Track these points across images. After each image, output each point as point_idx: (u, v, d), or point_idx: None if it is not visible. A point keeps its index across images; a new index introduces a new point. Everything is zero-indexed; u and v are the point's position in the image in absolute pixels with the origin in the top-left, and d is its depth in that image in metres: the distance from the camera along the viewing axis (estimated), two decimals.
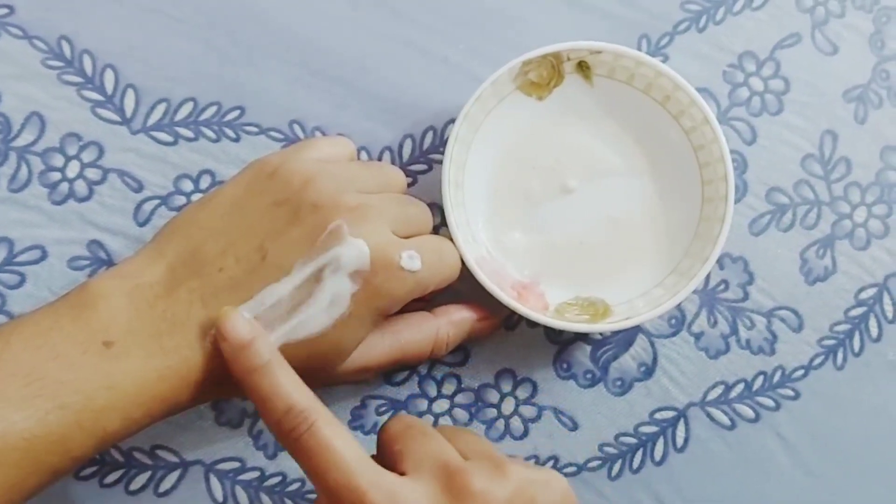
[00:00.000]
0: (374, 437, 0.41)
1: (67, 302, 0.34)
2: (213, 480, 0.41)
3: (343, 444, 0.31)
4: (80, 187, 0.42)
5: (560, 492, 0.33)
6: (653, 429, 0.43)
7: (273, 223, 0.36)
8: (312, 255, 0.35)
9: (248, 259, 0.35)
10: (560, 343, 0.43)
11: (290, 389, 0.32)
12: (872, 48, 0.46)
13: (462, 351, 0.43)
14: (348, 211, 0.35)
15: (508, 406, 0.43)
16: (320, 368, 0.36)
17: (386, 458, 0.34)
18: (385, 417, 0.42)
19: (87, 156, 0.43)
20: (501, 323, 0.43)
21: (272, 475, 0.42)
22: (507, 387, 0.43)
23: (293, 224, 0.35)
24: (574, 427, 0.43)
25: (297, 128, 0.44)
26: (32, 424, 0.31)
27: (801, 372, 0.44)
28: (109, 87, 0.43)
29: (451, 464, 0.32)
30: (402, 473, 0.32)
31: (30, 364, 0.32)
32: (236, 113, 0.44)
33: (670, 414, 0.43)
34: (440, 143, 0.44)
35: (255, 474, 0.42)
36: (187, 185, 0.43)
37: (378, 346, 0.38)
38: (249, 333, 0.33)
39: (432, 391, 0.43)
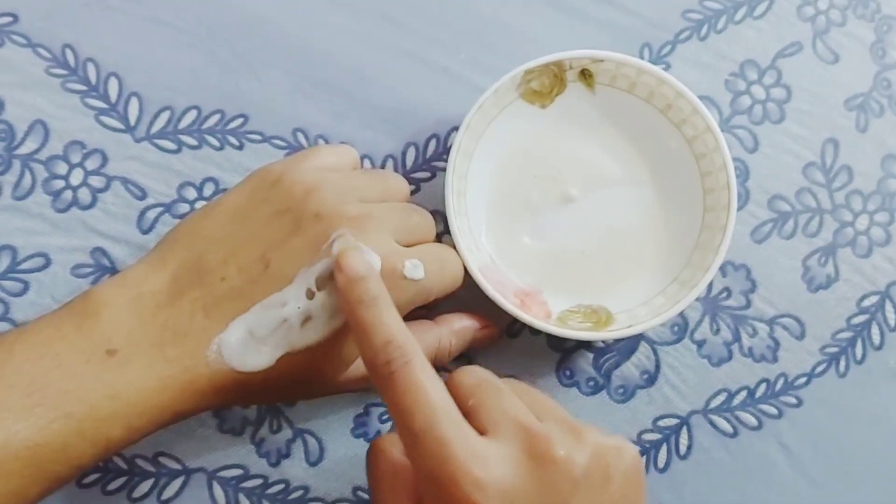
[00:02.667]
0: None
1: (70, 311, 0.34)
2: (216, 488, 0.41)
3: (435, 390, 0.30)
4: (84, 195, 0.43)
5: (631, 458, 0.33)
6: (656, 436, 0.43)
7: (276, 233, 0.36)
8: (315, 264, 0.35)
9: (251, 268, 0.35)
10: (563, 351, 0.43)
11: (393, 326, 0.32)
12: (874, 57, 0.46)
13: (464, 359, 0.43)
14: (350, 220, 0.35)
15: None
16: (322, 377, 0.36)
17: (459, 410, 0.32)
18: (388, 426, 0.42)
19: (91, 163, 0.43)
20: (504, 331, 0.43)
21: (275, 482, 0.42)
22: None
23: (296, 234, 0.35)
24: None
25: (300, 136, 0.44)
26: (35, 433, 0.31)
27: (803, 379, 0.44)
28: (113, 95, 0.43)
29: (531, 428, 0.31)
30: (478, 429, 0.31)
31: (32, 373, 0.32)
32: (240, 121, 0.44)
33: (673, 421, 0.43)
34: (443, 151, 0.44)
35: (258, 482, 0.42)
36: (191, 193, 0.43)
37: None
38: (365, 270, 0.33)
39: None
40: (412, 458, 0.31)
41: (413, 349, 0.31)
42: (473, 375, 0.34)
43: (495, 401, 0.32)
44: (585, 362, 0.43)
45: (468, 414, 0.32)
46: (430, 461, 0.29)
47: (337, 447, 0.42)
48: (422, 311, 0.40)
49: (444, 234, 0.42)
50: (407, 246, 0.37)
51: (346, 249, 0.34)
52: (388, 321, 0.32)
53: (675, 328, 0.44)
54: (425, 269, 0.36)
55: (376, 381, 0.32)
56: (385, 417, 0.43)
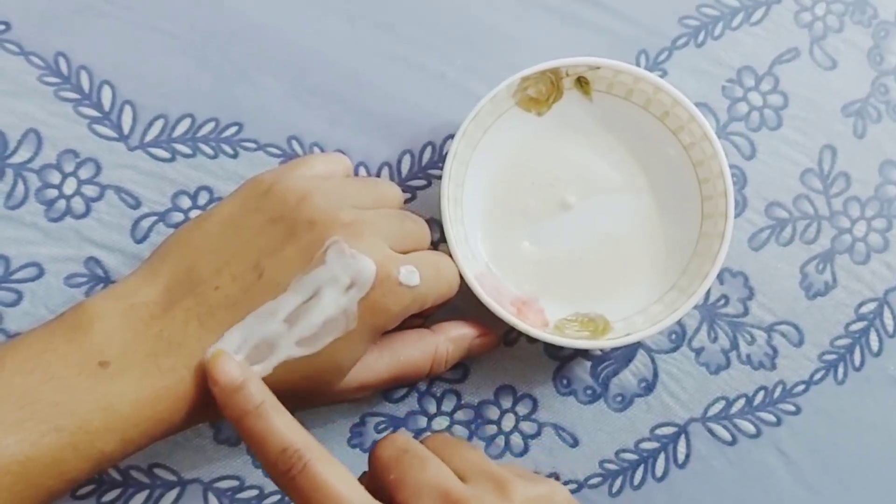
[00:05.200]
0: None
1: (62, 323, 0.34)
2: (212, 499, 0.41)
3: (338, 482, 0.31)
4: (77, 204, 0.42)
5: (563, 502, 0.33)
6: (654, 445, 0.43)
7: (269, 241, 0.35)
8: (310, 272, 0.35)
9: (245, 277, 0.35)
10: (560, 359, 0.43)
11: (284, 430, 0.32)
12: (871, 63, 0.46)
13: (461, 367, 0.43)
14: (344, 227, 0.35)
15: (508, 422, 0.43)
16: (318, 387, 0.36)
17: (380, 485, 0.33)
18: (385, 434, 0.42)
19: (85, 172, 0.43)
20: (501, 339, 0.43)
21: (270, 493, 0.41)
22: (506, 403, 0.43)
23: (289, 241, 0.35)
24: (574, 443, 0.43)
25: (295, 144, 0.44)
26: (26, 448, 0.31)
27: (801, 387, 0.44)
28: (107, 103, 0.43)
29: (452, 493, 0.31)
30: (401, 503, 0.31)
31: (24, 387, 0.32)
32: (234, 129, 0.43)
33: (671, 430, 0.43)
34: (439, 159, 0.44)
35: (254, 493, 0.41)
36: (185, 202, 0.43)
37: (376, 364, 0.38)
38: (241, 375, 0.33)
39: (432, 408, 0.43)
40: None
41: (309, 447, 0.31)
42: (395, 447, 0.34)
43: (417, 472, 0.32)
44: (583, 371, 0.43)
45: (392, 489, 0.32)
46: None
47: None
48: (418, 320, 0.40)
49: (440, 242, 0.42)
50: (402, 253, 0.37)
51: (215, 356, 0.33)
52: (278, 427, 0.32)
53: (673, 336, 0.43)
54: (421, 276, 0.36)
55: (279, 486, 0.32)
56: (382, 427, 0.42)
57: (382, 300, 0.35)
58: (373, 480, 0.34)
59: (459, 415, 0.43)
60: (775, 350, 0.44)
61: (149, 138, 0.43)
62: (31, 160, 0.42)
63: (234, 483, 0.41)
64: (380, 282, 0.35)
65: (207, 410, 0.34)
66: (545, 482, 0.34)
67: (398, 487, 0.32)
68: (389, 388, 0.42)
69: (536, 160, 0.43)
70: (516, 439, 0.43)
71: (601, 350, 0.43)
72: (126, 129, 0.43)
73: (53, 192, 0.42)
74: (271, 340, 0.34)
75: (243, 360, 0.34)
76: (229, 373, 0.33)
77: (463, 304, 0.40)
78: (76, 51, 0.43)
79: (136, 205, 0.43)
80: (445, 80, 0.45)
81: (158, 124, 0.43)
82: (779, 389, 0.44)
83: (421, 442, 0.35)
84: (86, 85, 0.43)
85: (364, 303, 0.35)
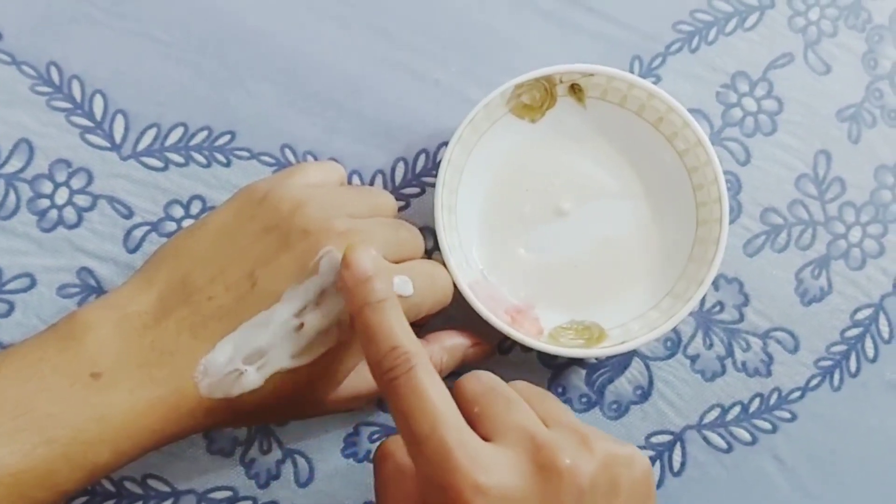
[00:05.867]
0: (368, 465, 0.41)
1: (55, 333, 0.34)
2: None
3: (438, 396, 0.30)
4: (70, 214, 0.42)
5: (642, 470, 0.32)
6: (649, 452, 0.43)
7: (263, 250, 0.35)
8: (303, 281, 0.34)
9: (238, 286, 0.35)
10: (555, 367, 0.43)
11: (399, 330, 0.31)
12: (865, 67, 0.46)
13: (456, 376, 0.42)
14: (338, 236, 0.35)
15: None
16: (312, 397, 0.36)
17: (464, 417, 0.31)
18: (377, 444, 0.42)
19: (77, 182, 0.42)
20: (495, 348, 0.43)
21: None
22: None
23: (283, 250, 0.35)
24: None
25: (288, 152, 0.43)
26: (19, 459, 0.31)
27: (797, 393, 0.44)
28: (98, 112, 0.43)
29: (537, 436, 0.31)
30: (483, 437, 0.31)
31: (16, 398, 0.32)
32: (227, 137, 0.43)
33: (667, 437, 0.43)
34: (433, 167, 0.44)
35: (248, 503, 0.41)
36: (178, 211, 0.43)
37: (370, 374, 0.37)
38: (373, 269, 0.33)
39: None
40: (415, 464, 0.30)
41: (418, 355, 0.31)
42: (481, 383, 0.33)
43: (502, 409, 0.32)
44: (578, 378, 0.43)
45: (474, 421, 0.32)
46: (432, 467, 0.29)
47: (327, 467, 0.42)
48: (412, 329, 0.40)
49: (433, 250, 0.42)
50: (396, 262, 0.37)
51: (354, 245, 0.33)
52: (394, 325, 0.32)
53: (669, 343, 0.43)
54: (415, 286, 0.36)
55: (380, 385, 0.31)
56: (376, 436, 0.42)
57: None
58: None
59: None
60: (771, 357, 0.44)
61: (141, 147, 0.43)
62: (22, 170, 0.42)
63: (228, 494, 0.41)
64: None
65: (200, 421, 0.34)
66: (627, 446, 0.33)
67: (481, 421, 0.32)
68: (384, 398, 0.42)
69: (531, 167, 0.42)
70: None
71: (596, 358, 0.43)
72: (118, 139, 0.43)
73: (45, 202, 0.42)
74: (264, 350, 0.34)
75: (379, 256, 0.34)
76: (362, 263, 0.33)
77: (457, 312, 0.40)
78: (68, 60, 0.43)
79: (129, 214, 0.42)
80: (440, 86, 0.45)
81: (151, 133, 0.43)
82: (775, 396, 0.43)
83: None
84: (78, 94, 0.43)
85: None
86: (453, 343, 0.40)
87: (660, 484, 0.43)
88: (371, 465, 0.36)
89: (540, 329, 0.41)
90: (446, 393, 0.31)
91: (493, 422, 0.32)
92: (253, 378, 0.34)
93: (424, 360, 0.31)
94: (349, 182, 0.43)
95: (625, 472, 0.31)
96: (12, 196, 0.42)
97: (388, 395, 0.31)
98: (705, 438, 0.43)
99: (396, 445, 0.33)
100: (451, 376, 0.42)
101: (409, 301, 0.36)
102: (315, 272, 0.34)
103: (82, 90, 0.43)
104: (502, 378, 0.42)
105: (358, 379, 0.37)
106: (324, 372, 0.35)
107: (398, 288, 0.35)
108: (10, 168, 0.42)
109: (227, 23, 0.44)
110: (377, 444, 0.42)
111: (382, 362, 0.31)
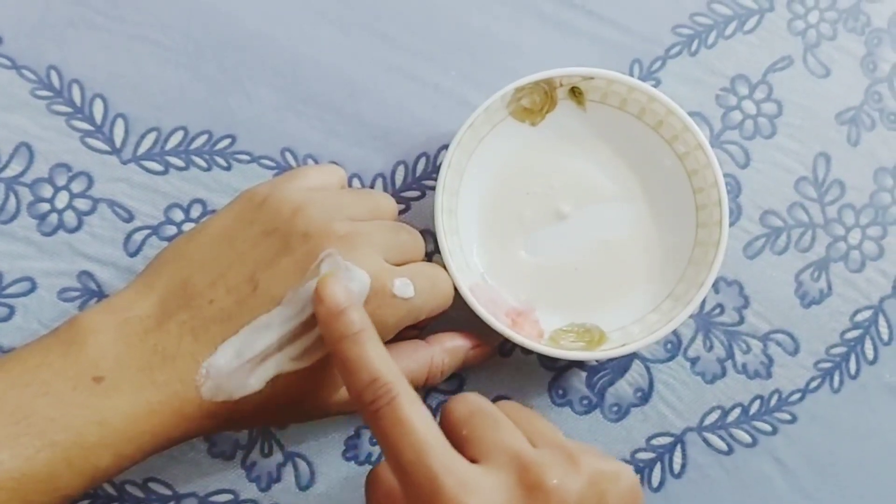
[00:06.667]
0: (369, 467, 0.41)
1: (56, 337, 0.34)
2: None
3: (422, 423, 0.30)
4: (70, 218, 0.42)
5: (628, 485, 0.32)
6: (650, 455, 0.43)
7: (264, 253, 0.35)
8: (304, 284, 0.34)
9: (240, 290, 0.35)
10: (555, 369, 0.43)
11: (377, 361, 0.31)
12: (864, 70, 0.46)
13: (457, 378, 0.43)
14: (338, 239, 0.35)
15: None
16: (313, 400, 0.36)
17: (452, 440, 0.32)
18: (379, 448, 0.42)
19: (77, 186, 0.42)
20: (496, 350, 0.43)
21: None
22: None
23: (284, 253, 0.35)
24: None
25: (288, 155, 0.43)
26: (21, 463, 0.31)
27: (797, 395, 0.44)
28: (99, 116, 0.43)
29: (524, 456, 0.31)
30: (471, 459, 0.31)
31: (18, 402, 0.32)
32: (227, 141, 0.43)
33: (667, 440, 0.43)
34: (433, 170, 0.44)
35: None
36: (178, 215, 0.43)
37: None
38: (346, 301, 0.32)
39: None
40: (404, 492, 0.30)
41: (399, 384, 0.31)
42: (468, 404, 0.34)
43: (490, 432, 0.32)
44: (578, 381, 0.43)
45: (462, 443, 0.32)
46: (420, 493, 0.29)
47: (328, 470, 0.42)
48: (413, 331, 0.40)
49: (434, 253, 0.42)
50: (396, 265, 0.37)
51: (326, 277, 0.33)
52: (372, 357, 0.32)
53: (669, 345, 0.43)
54: (415, 288, 0.36)
55: (363, 416, 0.31)
56: (376, 440, 0.42)
57: (377, 312, 0.35)
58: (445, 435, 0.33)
59: None
60: (771, 359, 0.44)
61: (141, 151, 0.43)
62: (22, 174, 0.42)
63: (229, 497, 0.41)
64: (374, 294, 0.35)
65: (202, 424, 0.34)
66: (613, 462, 0.33)
67: (469, 443, 0.32)
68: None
69: (531, 170, 0.43)
70: None
71: (596, 360, 0.43)
72: (118, 143, 0.43)
73: (45, 206, 0.42)
74: (265, 354, 0.34)
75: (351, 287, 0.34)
76: (335, 296, 0.33)
77: (458, 315, 0.40)
78: (68, 64, 0.43)
79: (129, 218, 0.42)
80: (440, 90, 0.45)
81: (151, 137, 0.43)
82: (775, 398, 0.44)
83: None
84: (78, 98, 0.43)
85: None
86: (454, 345, 0.40)
87: (660, 486, 0.43)
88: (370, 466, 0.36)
89: (540, 332, 0.41)
90: (430, 419, 0.31)
91: (480, 443, 0.32)
92: (254, 381, 0.34)
93: (406, 389, 0.31)
94: (350, 185, 0.43)
95: (611, 489, 0.32)
96: (12, 200, 0.42)
97: (371, 427, 0.31)
98: (705, 440, 0.43)
99: (386, 471, 0.33)
100: (451, 378, 0.42)
101: (411, 303, 0.36)
102: (316, 275, 0.34)
103: (82, 94, 0.43)
104: (503, 380, 0.43)
105: None
106: (325, 375, 0.35)
107: (399, 290, 0.35)
108: (11, 172, 0.42)
109: (227, 26, 0.44)
110: (377, 447, 0.42)
111: (364, 395, 0.31)
